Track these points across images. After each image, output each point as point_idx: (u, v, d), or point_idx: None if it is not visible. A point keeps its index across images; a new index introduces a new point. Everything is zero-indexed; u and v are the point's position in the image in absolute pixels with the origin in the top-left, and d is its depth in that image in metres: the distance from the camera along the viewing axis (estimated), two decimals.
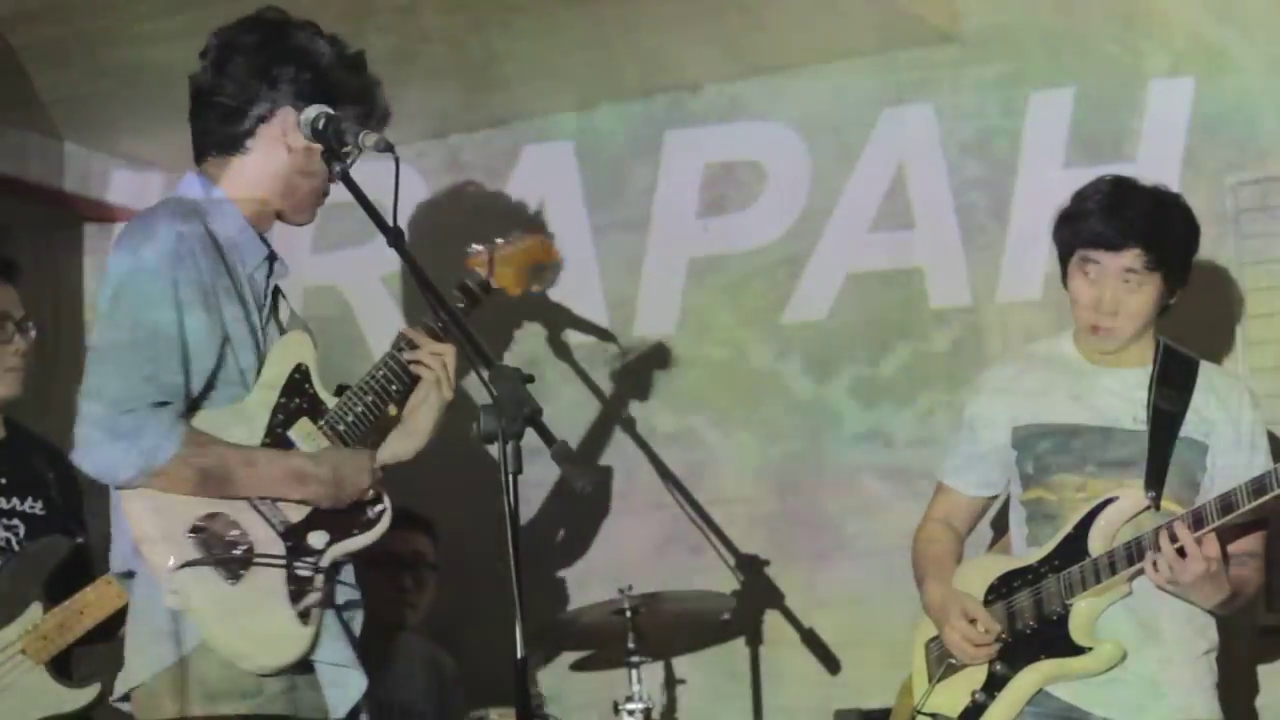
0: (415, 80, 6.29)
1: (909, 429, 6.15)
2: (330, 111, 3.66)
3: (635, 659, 5.68)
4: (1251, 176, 5.81)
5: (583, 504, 6.40)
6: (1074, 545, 4.58)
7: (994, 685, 4.62)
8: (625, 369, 6.46)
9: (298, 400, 3.80)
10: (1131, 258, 4.60)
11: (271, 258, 3.90)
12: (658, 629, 5.75)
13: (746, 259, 6.44)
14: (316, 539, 3.74)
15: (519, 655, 3.18)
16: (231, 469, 3.68)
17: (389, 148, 3.54)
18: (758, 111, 6.50)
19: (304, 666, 3.74)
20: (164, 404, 3.65)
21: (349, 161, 3.66)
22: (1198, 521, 4.41)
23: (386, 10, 5.64)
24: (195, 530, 3.65)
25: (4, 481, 4.75)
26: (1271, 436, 4.73)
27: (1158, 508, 4.56)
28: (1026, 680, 4.58)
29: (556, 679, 6.43)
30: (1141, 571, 4.48)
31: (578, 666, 6.32)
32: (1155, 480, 4.58)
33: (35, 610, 4.55)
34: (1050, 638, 4.58)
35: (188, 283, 3.67)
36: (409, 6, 5.71)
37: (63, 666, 4.58)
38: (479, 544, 5.59)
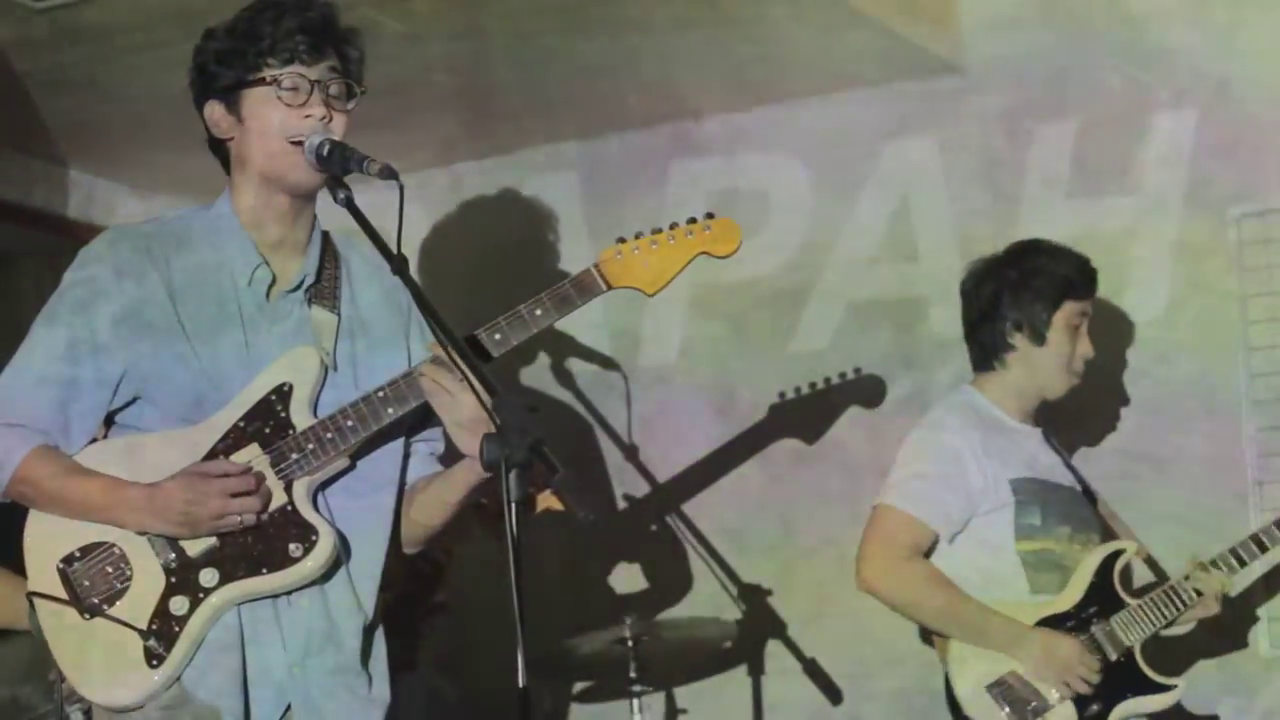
0: (420, 109, 6.30)
1: None
2: (334, 138, 3.63)
3: (637, 688, 5.67)
4: (1254, 209, 5.82)
5: (585, 533, 6.39)
6: (1103, 593, 4.91)
7: None
8: (628, 398, 6.46)
9: (259, 423, 3.64)
10: (1092, 305, 5.01)
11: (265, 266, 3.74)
12: (659, 658, 5.75)
13: (749, 289, 6.44)
14: (208, 577, 3.60)
15: (521, 684, 3.17)
16: (51, 494, 3.64)
17: (393, 175, 3.51)
18: (761, 142, 6.51)
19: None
20: (17, 426, 3.65)
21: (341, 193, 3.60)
22: (1239, 560, 4.99)
23: (391, 39, 5.65)
24: (65, 560, 3.62)
25: None
26: None
27: (1150, 562, 5.15)
28: (1117, 717, 4.87)
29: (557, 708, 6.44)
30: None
31: (580, 698, 6.32)
32: (1106, 530, 5.07)
33: None
34: (1128, 678, 4.89)
35: (82, 325, 3.65)
36: (413, 36, 5.72)
37: None
38: (482, 573, 5.61)
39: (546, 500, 5.08)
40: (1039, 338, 4.98)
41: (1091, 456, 5.83)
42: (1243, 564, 4.98)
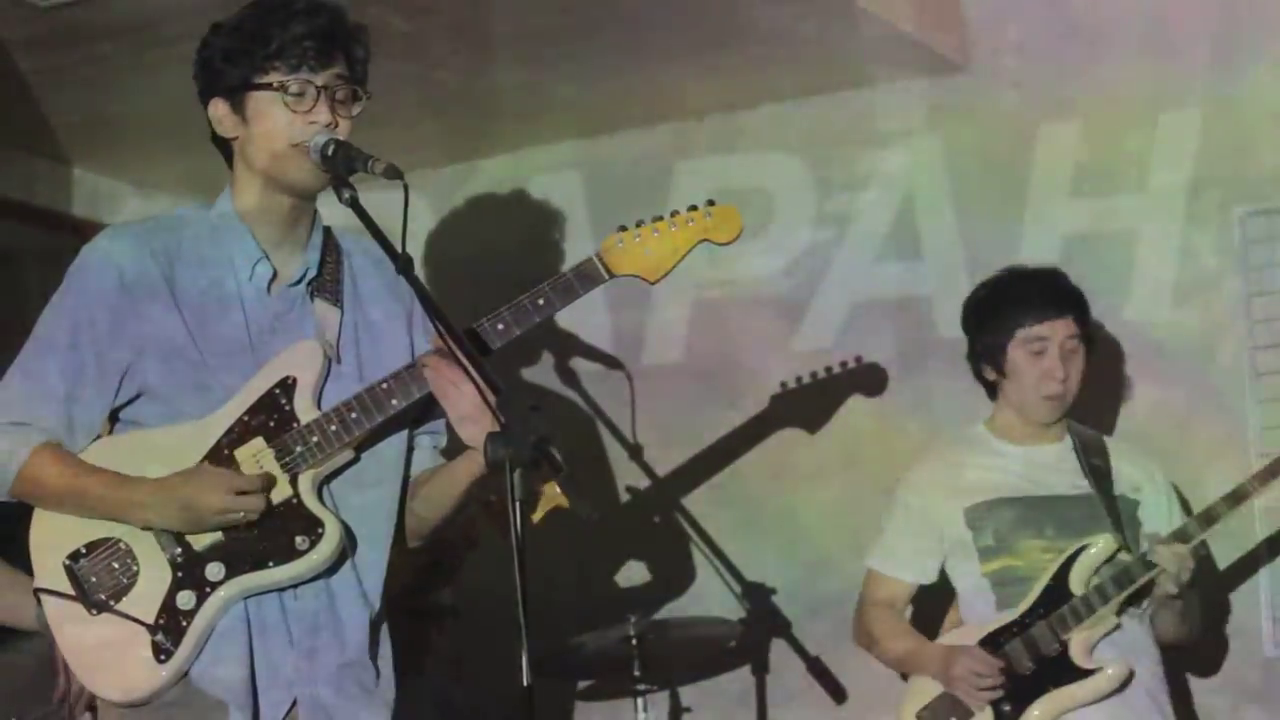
0: (424, 108, 6.30)
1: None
2: (339, 139, 3.63)
3: (641, 687, 5.67)
4: (1258, 208, 5.81)
5: (589, 531, 6.39)
6: (1056, 592, 4.94)
7: None
8: (632, 397, 6.45)
9: (264, 417, 3.64)
10: (1070, 325, 5.06)
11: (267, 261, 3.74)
12: (664, 656, 5.74)
13: (754, 288, 6.44)
14: (214, 571, 3.60)
15: (526, 683, 3.17)
16: (57, 492, 3.62)
17: (398, 174, 3.51)
18: (765, 141, 6.50)
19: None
20: (22, 425, 3.64)
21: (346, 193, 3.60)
22: (1183, 538, 4.86)
23: (396, 38, 5.65)
24: (71, 557, 3.61)
25: None
26: None
27: (1129, 551, 4.95)
28: (1037, 714, 4.87)
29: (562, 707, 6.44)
30: (1131, 599, 4.90)
31: (584, 696, 6.31)
32: (1117, 528, 4.98)
33: None
34: (1054, 671, 4.88)
35: (85, 322, 3.65)
36: (419, 35, 5.72)
37: None
38: (487, 571, 5.60)
39: (554, 499, 5.10)
40: (998, 368, 5.13)
41: None
42: (1210, 524, 4.88)
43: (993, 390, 5.21)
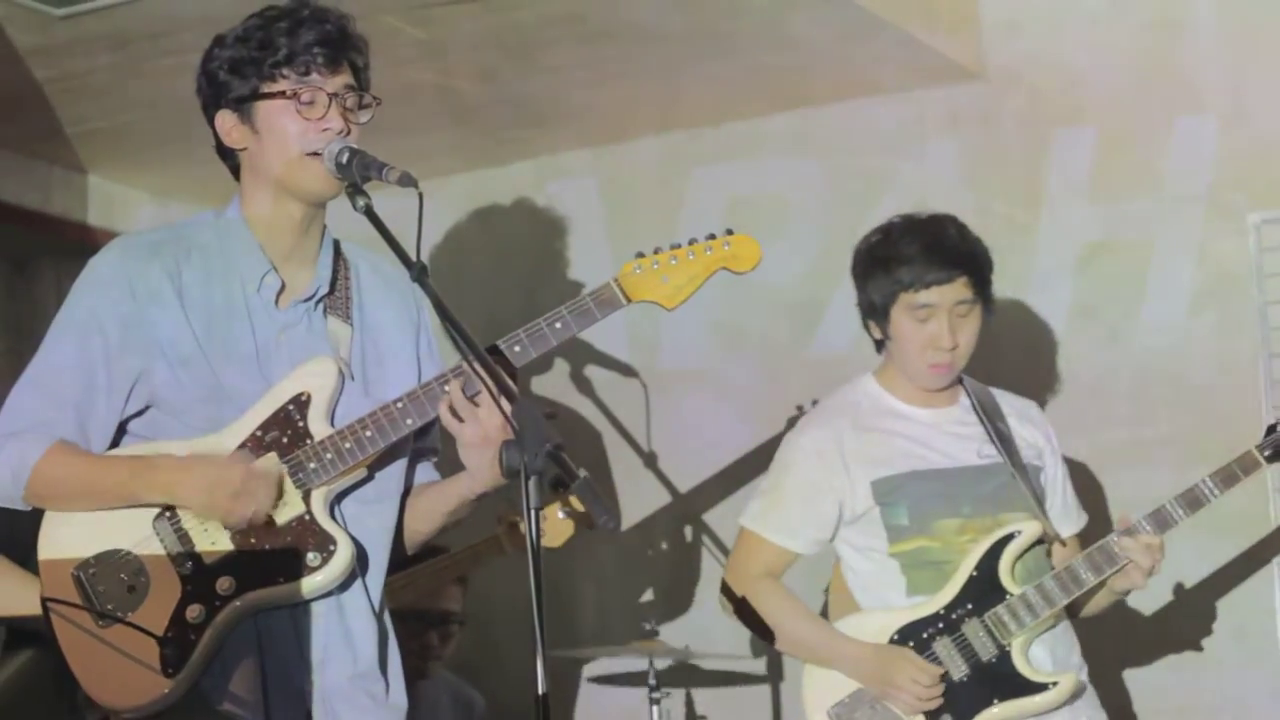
0: (440, 116, 6.31)
1: None
2: (354, 146, 3.63)
3: (656, 694, 5.67)
4: (1275, 215, 5.80)
5: (605, 539, 6.40)
6: (984, 585, 4.57)
7: None
8: (647, 404, 6.46)
9: (277, 432, 3.63)
10: (961, 288, 4.64)
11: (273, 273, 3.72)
12: (678, 663, 5.74)
13: (769, 293, 6.43)
14: (224, 585, 3.58)
15: (540, 691, 3.16)
16: (80, 481, 3.60)
17: (412, 182, 3.50)
18: (780, 147, 6.51)
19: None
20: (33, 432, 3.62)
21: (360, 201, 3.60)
22: (1162, 522, 4.54)
23: (412, 46, 5.66)
24: (80, 567, 3.59)
25: None
26: None
27: (1055, 535, 4.67)
28: None
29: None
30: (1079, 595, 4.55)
31: (599, 703, 6.32)
32: (1042, 510, 4.66)
33: None
34: (997, 680, 4.54)
35: (95, 331, 3.64)
36: (432, 42, 5.72)
37: None
38: (504, 581, 5.61)
39: (564, 532, 5.13)
40: (883, 330, 4.72)
41: (1111, 461, 5.83)
42: (1173, 520, 4.54)
43: (880, 345, 4.77)
